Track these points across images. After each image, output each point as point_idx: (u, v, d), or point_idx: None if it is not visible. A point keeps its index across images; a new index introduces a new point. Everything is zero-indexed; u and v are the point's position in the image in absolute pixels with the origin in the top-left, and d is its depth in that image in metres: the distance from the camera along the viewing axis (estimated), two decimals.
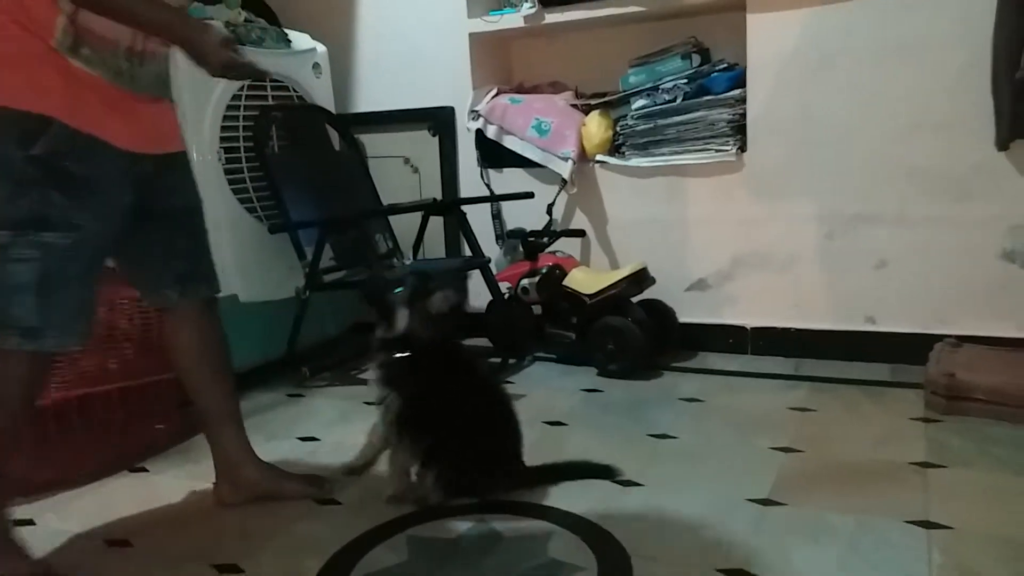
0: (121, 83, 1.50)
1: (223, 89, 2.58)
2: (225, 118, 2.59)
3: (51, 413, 1.96)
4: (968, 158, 2.37)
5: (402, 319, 1.75)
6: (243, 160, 2.66)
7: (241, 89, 2.65)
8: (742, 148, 2.66)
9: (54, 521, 1.81)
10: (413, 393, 1.75)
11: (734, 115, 2.65)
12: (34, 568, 1.53)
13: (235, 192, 2.64)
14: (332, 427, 2.31)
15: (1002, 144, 2.28)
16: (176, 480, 2.00)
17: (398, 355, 1.76)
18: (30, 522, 1.81)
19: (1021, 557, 1.43)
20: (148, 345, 2.14)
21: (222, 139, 2.59)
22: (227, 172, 2.61)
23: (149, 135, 1.59)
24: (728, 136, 2.66)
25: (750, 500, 1.70)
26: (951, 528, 1.53)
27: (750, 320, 2.75)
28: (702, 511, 1.67)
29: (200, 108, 2.53)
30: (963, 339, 2.35)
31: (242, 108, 2.65)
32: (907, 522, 1.56)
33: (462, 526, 1.67)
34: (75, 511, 1.86)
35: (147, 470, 2.08)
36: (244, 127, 2.66)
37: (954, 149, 2.39)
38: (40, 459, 1.94)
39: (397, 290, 1.79)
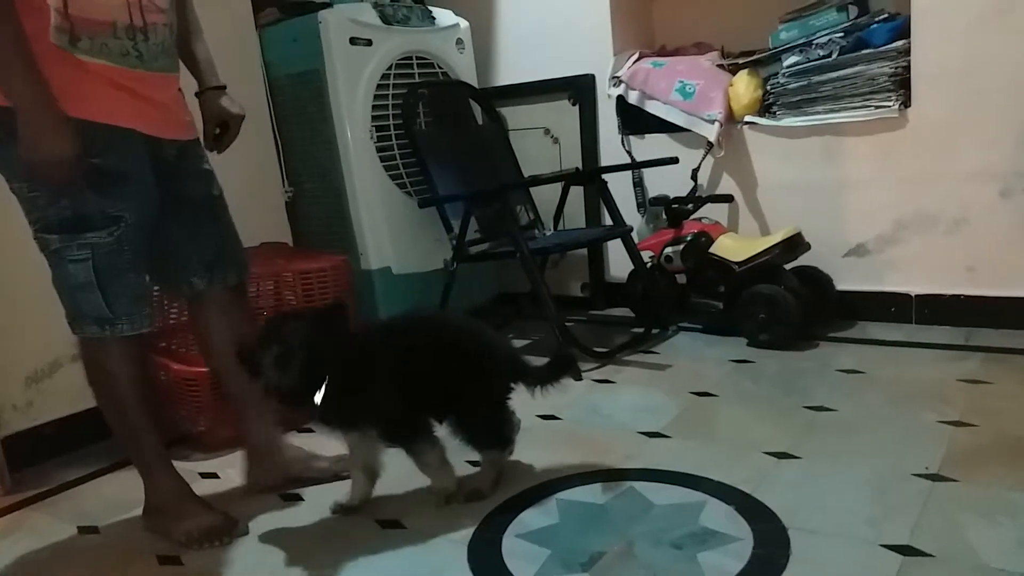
0: (130, 64, 1.47)
1: (373, 68, 2.69)
2: (375, 97, 2.69)
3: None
4: None
5: (285, 370, 1.55)
6: (393, 137, 2.76)
7: (390, 68, 2.74)
8: (905, 103, 2.48)
9: (235, 475, 1.97)
10: (379, 398, 1.60)
11: (896, 68, 2.47)
12: (215, 519, 1.67)
13: (386, 169, 2.74)
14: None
15: None
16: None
17: (321, 392, 1.57)
18: (214, 475, 1.99)
19: None
20: None
21: (373, 117, 2.69)
22: (378, 150, 2.72)
23: (169, 121, 1.59)
24: (890, 91, 2.49)
25: (917, 475, 1.61)
26: None
27: (915, 287, 2.58)
28: (864, 485, 1.60)
29: (352, 88, 2.64)
30: None
31: (391, 87, 2.74)
32: None
33: (611, 492, 1.68)
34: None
35: (313, 431, 2.22)
36: (393, 105, 2.75)
37: None
38: (222, 419, 2.12)
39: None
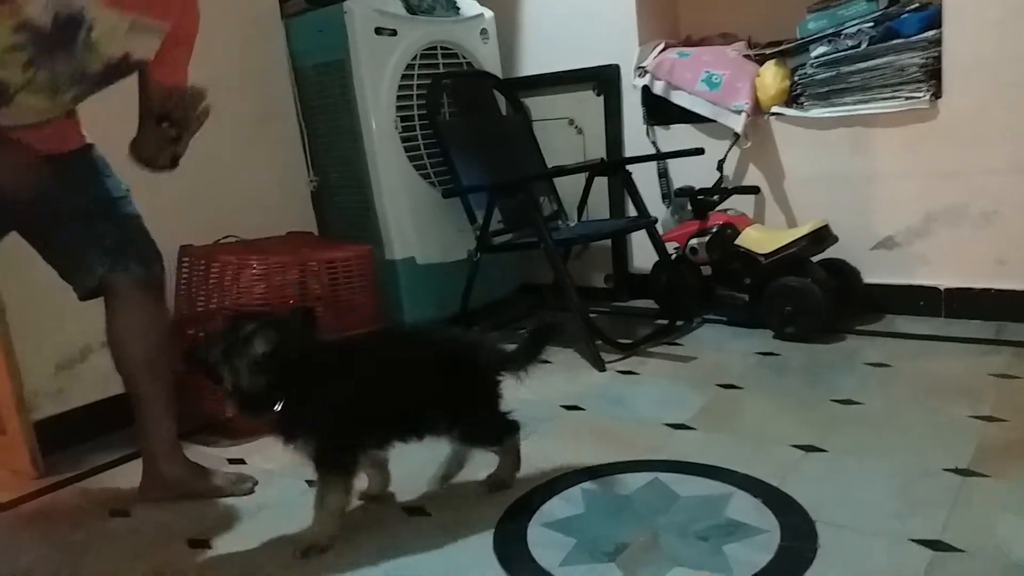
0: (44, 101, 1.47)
1: (398, 58, 2.69)
2: (400, 87, 2.69)
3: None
4: None
5: (239, 374, 1.51)
6: (417, 128, 2.77)
7: (414, 58, 2.74)
8: (936, 94, 2.44)
9: (260, 461, 1.99)
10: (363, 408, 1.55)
11: (927, 59, 2.43)
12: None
13: (411, 159, 2.75)
14: (504, 383, 2.37)
15: None
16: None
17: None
18: (241, 461, 2.01)
19: None
20: (338, 305, 2.29)
21: (398, 108, 2.70)
22: (403, 140, 2.72)
23: (47, 138, 1.56)
24: (920, 82, 2.45)
25: (947, 470, 1.59)
26: None
27: (944, 280, 2.55)
28: (892, 479, 1.59)
29: (377, 79, 2.64)
30: None
31: (416, 77, 2.74)
32: None
33: (636, 483, 1.68)
34: (277, 454, 2.00)
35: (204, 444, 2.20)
36: (417, 95, 2.75)
37: None
38: None
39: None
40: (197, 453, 2.09)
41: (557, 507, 1.61)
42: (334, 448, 1.53)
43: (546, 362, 2.51)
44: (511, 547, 1.48)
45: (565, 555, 1.43)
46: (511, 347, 1.72)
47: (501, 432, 1.69)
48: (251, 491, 1.83)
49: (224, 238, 2.45)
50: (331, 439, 1.53)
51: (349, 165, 2.75)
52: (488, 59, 3.04)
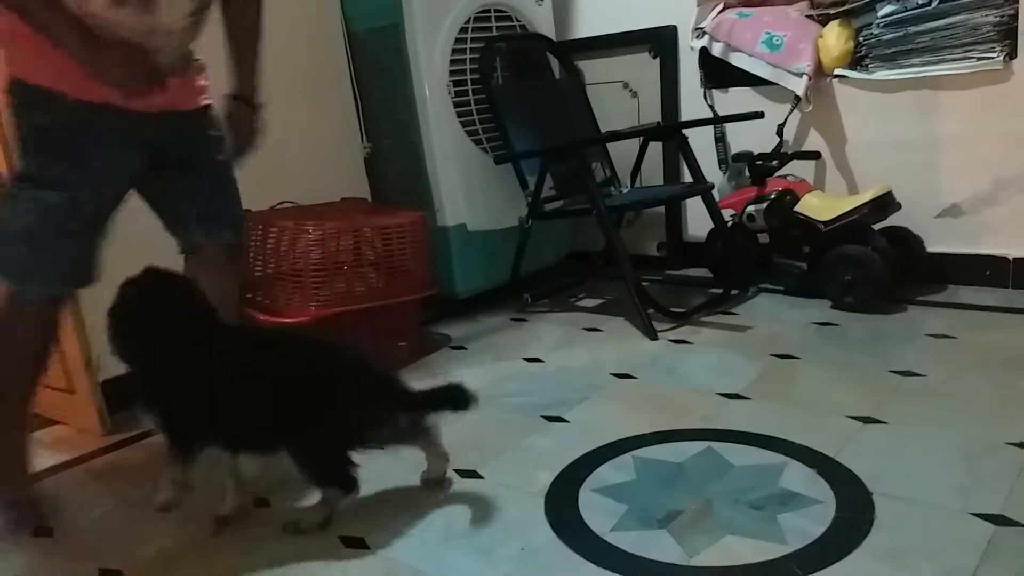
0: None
1: (452, 21, 2.67)
2: (453, 51, 2.68)
3: (312, 328, 2.18)
4: None
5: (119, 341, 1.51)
6: (470, 93, 2.75)
7: (468, 21, 2.72)
8: (1011, 55, 2.33)
9: None
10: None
11: (1002, 16, 2.32)
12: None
13: (463, 125, 2.73)
14: (555, 350, 2.38)
15: None
16: None
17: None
18: None
19: None
20: (391, 271, 2.31)
21: (451, 72, 2.68)
22: (455, 105, 2.71)
23: (162, 96, 1.58)
24: (994, 42, 2.34)
25: (1011, 444, 1.55)
26: None
27: (1013, 250, 2.45)
28: (953, 452, 1.55)
29: (431, 42, 2.63)
30: None
31: (469, 40, 2.72)
32: None
33: (689, 451, 1.67)
34: None
35: None
36: (471, 59, 2.74)
37: None
38: None
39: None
40: None
41: (608, 473, 1.62)
42: (169, 433, 1.52)
43: (597, 330, 2.53)
44: (562, 511, 1.49)
45: (616, 521, 1.44)
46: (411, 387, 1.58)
47: (336, 477, 1.51)
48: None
49: (280, 203, 2.48)
50: (167, 423, 1.52)
51: (402, 131, 2.76)
52: (542, 21, 3.00)
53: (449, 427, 1.91)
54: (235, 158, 1.77)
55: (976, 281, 2.51)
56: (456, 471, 1.69)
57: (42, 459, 1.98)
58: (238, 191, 1.83)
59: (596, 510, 1.48)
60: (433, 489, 1.64)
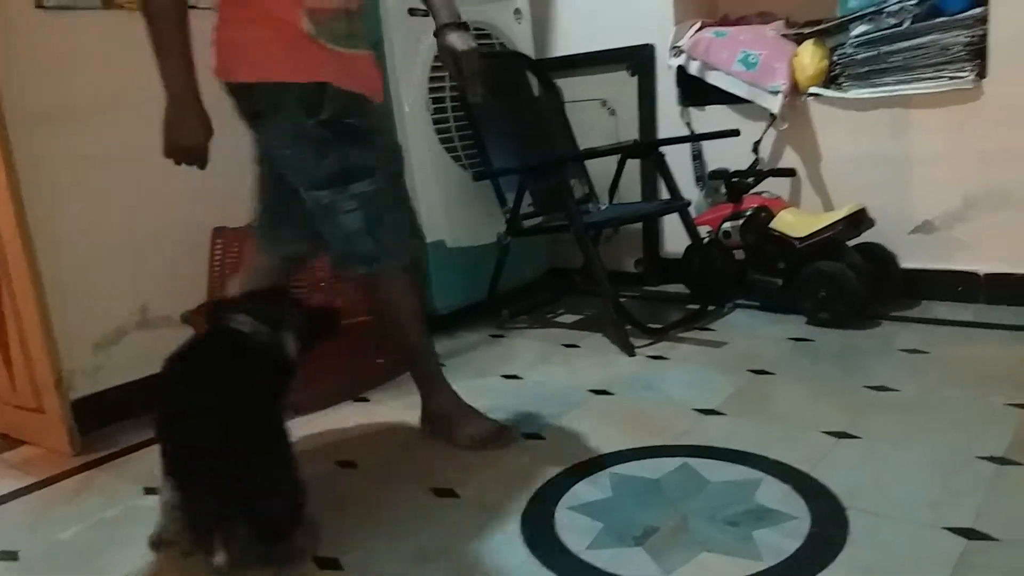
0: (340, 45, 1.64)
1: (431, 40, 2.66)
2: (433, 68, 2.68)
3: None
4: None
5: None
6: (449, 110, 2.76)
7: None
8: (980, 74, 2.37)
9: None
10: None
11: (972, 37, 2.37)
12: (492, 425, 1.87)
13: (442, 141, 2.74)
14: (533, 366, 2.38)
15: None
16: (395, 410, 2.16)
17: None
18: None
19: None
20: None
21: (430, 89, 2.69)
22: (434, 122, 2.71)
23: (379, 87, 1.75)
24: (964, 61, 2.39)
25: (982, 458, 1.56)
26: None
27: (984, 266, 2.48)
28: (926, 467, 1.57)
29: (410, 60, 2.63)
30: None
31: None
32: None
33: (666, 467, 1.67)
34: (309, 434, 2.06)
35: (368, 400, 2.26)
36: (450, 77, 2.74)
37: None
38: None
39: None
40: None
41: (585, 491, 1.61)
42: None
43: (575, 346, 2.53)
44: (538, 529, 1.48)
45: (592, 539, 1.43)
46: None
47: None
48: (513, 440, 1.87)
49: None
50: None
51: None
52: (521, 39, 3.02)
53: (426, 444, 1.92)
54: (475, 88, 1.76)
55: (949, 297, 2.54)
56: (432, 489, 1.68)
57: (9, 480, 1.95)
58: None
59: (572, 528, 1.48)
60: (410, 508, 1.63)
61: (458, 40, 1.71)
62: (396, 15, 2.59)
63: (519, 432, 1.89)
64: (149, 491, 1.83)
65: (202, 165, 1.62)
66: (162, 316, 2.35)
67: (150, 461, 1.98)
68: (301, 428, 2.09)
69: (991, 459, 1.56)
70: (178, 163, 1.60)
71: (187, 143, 1.58)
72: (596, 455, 1.75)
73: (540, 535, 1.47)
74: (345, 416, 2.17)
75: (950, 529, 1.34)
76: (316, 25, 1.59)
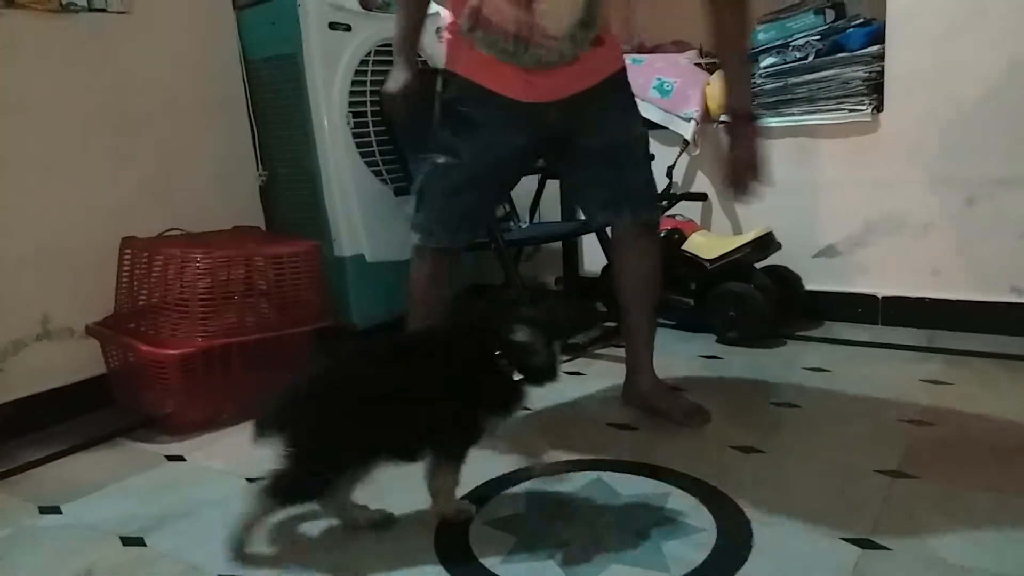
0: (506, 59, 1.74)
1: (352, 54, 2.66)
2: (353, 82, 2.67)
3: (199, 360, 2.11)
4: None
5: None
6: (370, 124, 2.74)
7: (368, 54, 2.72)
8: (878, 108, 2.52)
9: (201, 458, 1.96)
10: None
11: (870, 73, 2.51)
12: (693, 404, 1.98)
13: (362, 155, 2.72)
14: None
15: None
16: None
17: None
18: (180, 458, 1.97)
19: None
20: (283, 301, 2.27)
21: (351, 104, 2.67)
22: (355, 136, 2.70)
23: (544, 89, 1.76)
24: (863, 95, 2.53)
25: (878, 471, 1.64)
26: None
27: (882, 289, 2.63)
28: (826, 480, 1.64)
29: (330, 74, 2.62)
30: None
31: (369, 73, 2.72)
32: None
33: (579, 482, 1.69)
34: (219, 450, 2.01)
35: None
36: (371, 91, 2.73)
37: None
38: (189, 402, 2.11)
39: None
40: (135, 450, 2.05)
41: (500, 506, 1.62)
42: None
43: None
44: (452, 544, 1.48)
45: (506, 553, 1.44)
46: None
47: None
48: (705, 423, 1.95)
49: (168, 231, 2.40)
50: None
51: (299, 160, 2.72)
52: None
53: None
54: (740, 189, 1.76)
55: (849, 318, 2.67)
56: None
57: None
58: (650, 167, 2.00)
59: (487, 542, 1.48)
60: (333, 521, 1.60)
61: (750, 140, 1.79)
62: (316, 28, 2.57)
63: (709, 416, 1.94)
64: (45, 510, 1.74)
65: (400, 114, 1.93)
66: (64, 328, 2.25)
67: (47, 479, 1.91)
68: (211, 444, 2.04)
69: (886, 472, 1.64)
70: (387, 113, 1.95)
71: (388, 88, 1.92)
72: (512, 470, 1.76)
73: (454, 550, 1.46)
74: None
75: (847, 539, 1.41)
76: (476, 32, 1.73)
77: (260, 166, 2.80)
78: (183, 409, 2.11)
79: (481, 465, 1.78)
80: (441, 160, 1.84)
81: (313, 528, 1.58)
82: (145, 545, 1.57)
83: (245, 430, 2.08)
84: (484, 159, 1.83)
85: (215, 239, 2.36)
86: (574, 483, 1.69)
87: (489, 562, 1.41)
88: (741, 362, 2.40)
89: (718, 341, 2.56)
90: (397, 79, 1.92)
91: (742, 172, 1.75)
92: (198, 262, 2.13)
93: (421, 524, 1.55)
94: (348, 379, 1.45)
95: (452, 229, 1.90)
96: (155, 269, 2.19)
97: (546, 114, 1.79)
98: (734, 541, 1.43)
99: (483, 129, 1.81)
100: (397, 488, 1.72)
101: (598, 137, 1.85)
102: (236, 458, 1.94)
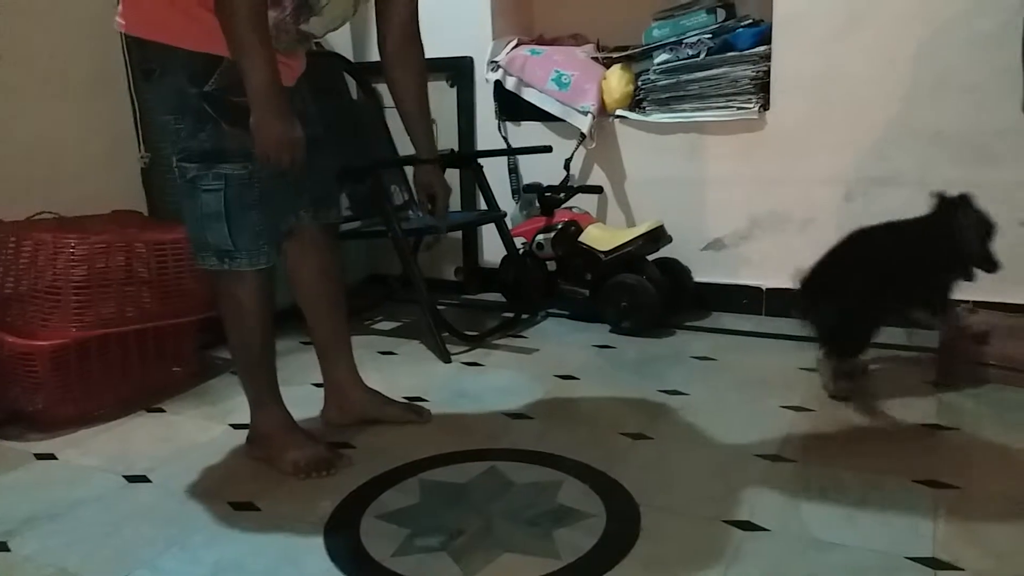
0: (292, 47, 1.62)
1: None
2: None
3: (72, 353, 1.99)
4: (992, 122, 2.33)
5: None
6: None
7: None
8: (764, 106, 2.62)
9: (75, 456, 1.85)
10: None
11: (757, 72, 2.60)
12: (320, 451, 1.75)
13: None
14: None
15: None
16: (193, 420, 2.04)
17: None
18: (51, 456, 1.86)
19: (1022, 514, 1.44)
20: (166, 290, 2.16)
21: None
22: None
23: (288, 73, 1.64)
24: (751, 94, 2.62)
25: (759, 456, 1.72)
26: (958, 488, 1.54)
27: (765, 281, 2.74)
28: (710, 465, 1.70)
29: None
30: (980, 305, 2.34)
31: None
32: (915, 481, 1.57)
33: (473, 471, 1.69)
34: (95, 447, 1.90)
35: (164, 410, 2.12)
36: None
37: (978, 113, 2.35)
38: (61, 396, 1.99)
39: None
40: (0, 448, 1.92)
41: (393, 499, 1.60)
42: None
43: (392, 354, 2.51)
44: (342, 540, 1.45)
45: (398, 546, 1.42)
46: None
47: None
48: (428, 420, 1.96)
49: (38, 214, 2.25)
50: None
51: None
52: (339, 41, 2.97)
53: (227, 456, 1.82)
54: (443, 214, 1.89)
55: (735, 309, 2.77)
56: (230, 503, 1.60)
57: None
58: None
59: (378, 536, 1.46)
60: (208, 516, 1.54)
61: (436, 178, 1.88)
62: None
63: (349, 460, 1.78)
64: None
65: (300, 159, 1.52)
66: None
67: None
68: (86, 441, 1.93)
69: (765, 456, 1.71)
70: (276, 163, 1.49)
71: (279, 139, 1.47)
72: (406, 462, 1.75)
73: (343, 545, 1.44)
74: (137, 427, 2.02)
75: (728, 522, 1.46)
76: None
77: (143, 147, 2.66)
78: (55, 404, 1.98)
79: (376, 459, 1.76)
80: (238, 170, 1.56)
81: (198, 526, 1.52)
82: (8, 550, 1.47)
83: (125, 425, 2.02)
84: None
85: (92, 224, 2.23)
86: (468, 473, 1.69)
87: (380, 556, 1.40)
88: (633, 351, 2.46)
89: (612, 331, 2.61)
90: (283, 130, 1.48)
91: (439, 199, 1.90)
92: (72, 248, 2.01)
93: (310, 522, 1.52)
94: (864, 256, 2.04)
95: (271, 242, 1.66)
96: (23, 256, 2.05)
97: (292, 100, 1.64)
98: (622, 526, 1.46)
99: None
100: (279, 489, 1.67)
101: (311, 129, 1.72)
102: (114, 455, 1.85)
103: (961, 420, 1.86)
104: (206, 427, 1.98)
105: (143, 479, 1.73)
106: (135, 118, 2.63)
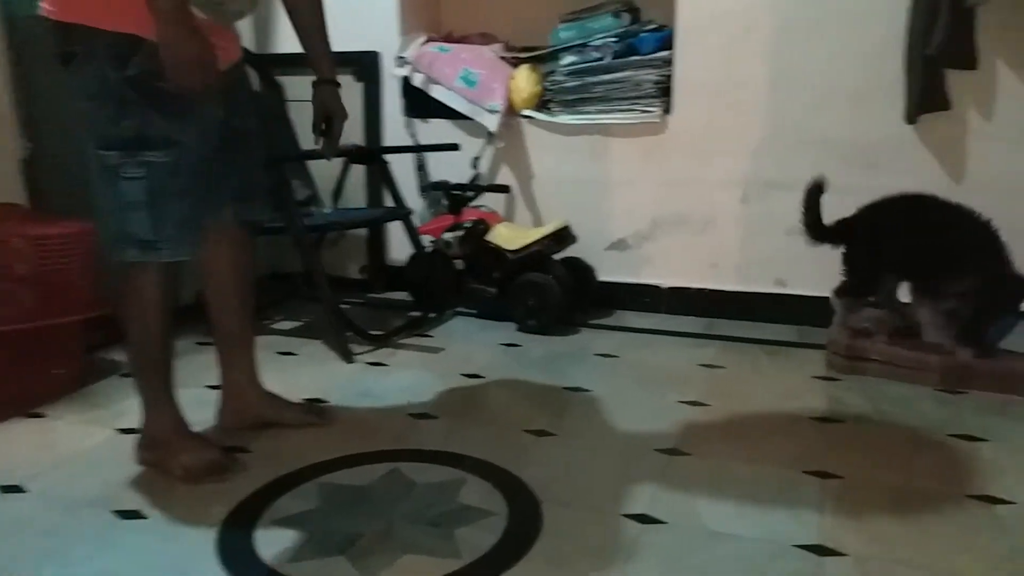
0: (206, 13, 1.50)
1: None
2: None
3: None
4: (878, 130, 2.46)
5: None
6: None
7: None
8: (667, 110, 2.68)
9: None
10: None
11: (660, 76, 2.66)
12: (214, 455, 1.69)
13: None
14: None
15: (910, 118, 2.37)
16: (76, 426, 1.93)
17: None
18: None
19: (902, 501, 1.53)
20: (48, 288, 2.04)
21: None
22: None
23: (226, 52, 1.59)
24: (654, 97, 2.68)
25: (657, 450, 1.75)
26: (842, 477, 1.62)
27: (666, 280, 2.81)
28: (611, 460, 1.72)
29: None
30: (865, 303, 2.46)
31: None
32: (804, 472, 1.64)
33: (376, 473, 1.66)
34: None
35: (44, 415, 2.00)
36: None
37: (866, 121, 2.48)
38: None
39: None
40: None
41: (290, 503, 1.56)
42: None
43: (292, 354, 2.45)
44: (235, 547, 1.40)
45: (295, 551, 1.39)
46: None
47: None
48: (329, 422, 1.91)
49: None
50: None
51: (72, 131, 2.45)
52: (240, 32, 2.86)
53: (112, 463, 1.74)
54: (335, 141, 1.84)
55: (637, 307, 2.83)
56: (116, 511, 1.52)
57: None
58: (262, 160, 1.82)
59: (273, 542, 1.42)
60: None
61: (334, 100, 1.83)
62: None
63: (242, 465, 1.71)
64: None
65: (206, 86, 1.42)
66: None
67: None
68: None
69: (664, 451, 1.75)
70: (187, 85, 1.39)
71: (188, 59, 1.37)
72: (305, 465, 1.70)
73: (237, 553, 1.39)
74: (12, 435, 1.90)
75: (628, 516, 1.49)
76: None
77: (24, 136, 2.50)
78: None
79: (273, 463, 1.71)
80: (162, 157, 1.49)
81: (80, 538, 1.44)
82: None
83: (5, 429, 1.89)
84: (205, 141, 1.57)
85: None
86: (369, 475, 1.66)
87: (276, 562, 1.36)
88: (539, 349, 2.48)
89: (519, 329, 2.62)
90: (194, 49, 1.38)
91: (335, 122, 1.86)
92: None
93: (201, 529, 1.46)
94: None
95: (194, 233, 1.59)
96: None
97: (233, 88, 1.62)
98: (524, 523, 1.47)
99: (194, 103, 1.50)
100: (168, 496, 1.61)
101: (246, 120, 1.72)
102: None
103: (845, 413, 1.95)
104: (90, 432, 1.88)
105: (17, 489, 1.63)
106: (16, 104, 2.47)
